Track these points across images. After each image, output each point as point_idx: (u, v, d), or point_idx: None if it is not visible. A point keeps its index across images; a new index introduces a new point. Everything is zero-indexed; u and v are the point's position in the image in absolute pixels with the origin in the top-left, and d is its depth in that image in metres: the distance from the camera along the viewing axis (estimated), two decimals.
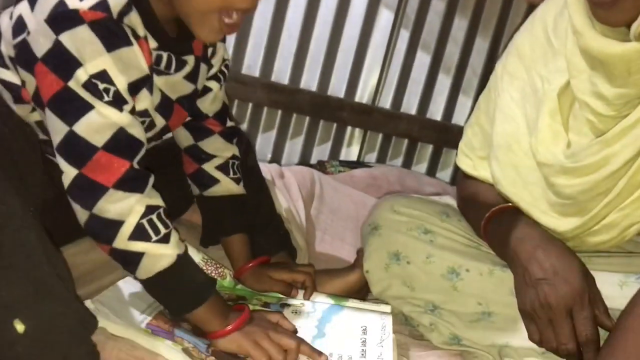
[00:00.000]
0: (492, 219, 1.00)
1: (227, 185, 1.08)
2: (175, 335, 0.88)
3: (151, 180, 0.84)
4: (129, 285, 0.95)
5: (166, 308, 0.90)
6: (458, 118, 2.07)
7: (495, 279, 0.99)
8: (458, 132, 2.07)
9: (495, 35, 1.97)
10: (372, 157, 2.05)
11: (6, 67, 0.85)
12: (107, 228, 0.81)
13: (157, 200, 0.84)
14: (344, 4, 1.86)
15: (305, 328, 0.99)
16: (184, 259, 0.85)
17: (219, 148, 1.08)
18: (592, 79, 0.86)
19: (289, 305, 1.05)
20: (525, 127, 0.97)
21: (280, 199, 1.31)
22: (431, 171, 2.11)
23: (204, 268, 1.08)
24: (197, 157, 1.08)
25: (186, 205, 1.21)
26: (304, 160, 1.99)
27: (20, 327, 0.69)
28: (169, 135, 1.11)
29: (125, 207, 0.80)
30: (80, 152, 0.79)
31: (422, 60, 1.97)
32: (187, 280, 0.86)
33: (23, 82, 0.84)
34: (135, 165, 0.82)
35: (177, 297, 0.87)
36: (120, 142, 0.80)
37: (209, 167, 1.08)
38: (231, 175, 1.08)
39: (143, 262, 0.83)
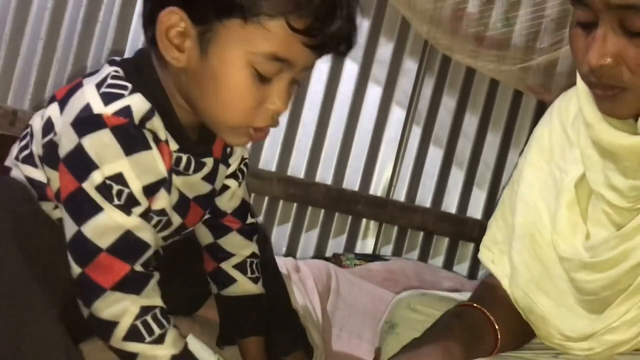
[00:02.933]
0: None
1: (244, 285, 1.08)
2: None
3: (152, 281, 0.84)
4: None
5: None
6: (472, 211, 2.08)
7: None
8: (473, 224, 2.11)
9: (507, 130, 2.02)
10: (387, 250, 2.05)
11: (35, 165, 0.89)
12: (104, 327, 0.82)
13: (154, 300, 0.84)
14: (357, 101, 1.93)
15: None
16: (181, 359, 0.84)
17: (237, 245, 1.09)
18: (606, 171, 0.86)
19: None
20: (548, 219, 0.97)
21: (297, 294, 1.31)
22: (448, 264, 2.10)
23: None
24: (215, 255, 1.09)
25: (202, 301, 1.21)
26: (319, 253, 1.99)
27: None
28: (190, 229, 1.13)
29: (120, 309, 0.81)
30: (85, 252, 0.81)
31: (435, 154, 2.01)
32: None
33: (48, 179, 0.87)
34: (138, 268, 0.83)
35: None
36: (125, 245, 0.82)
37: (227, 265, 1.08)
38: (249, 274, 1.08)
39: None
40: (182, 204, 0.96)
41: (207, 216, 1.06)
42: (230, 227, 1.09)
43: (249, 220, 1.12)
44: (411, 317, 1.10)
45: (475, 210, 2.09)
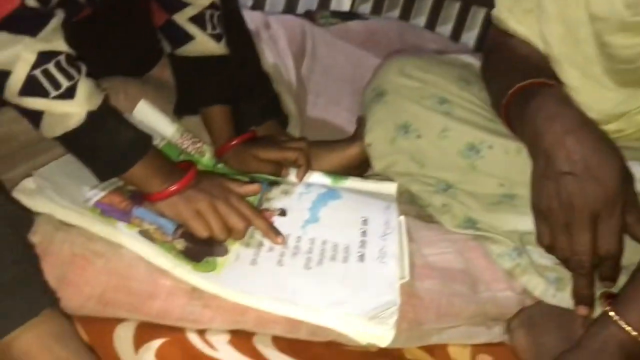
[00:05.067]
0: (517, 94, 0.83)
1: (204, 44, 0.88)
2: (132, 216, 0.74)
3: (54, 20, 0.66)
4: None
5: (90, 170, 0.74)
6: None
7: (524, 158, 0.85)
8: None
9: None
10: (366, 8, 1.82)
11: None
12: None
13: (56, 45, 0.67)
14: None
15: (297, 211, 0.85)
16: (99, 116, 0.69)
17: None
18: None
19: (279, 184, 0.91)
20: None
21: (267, 55, 1.12)
22: (430, 25, 1.91)
23: (178, 142, 0.91)
24: (165, 3, 0.87)
25: (156, 59, 1.01)
26: (290, 9, 1.76)
27: None
28: None
29: (10, 55, 0.64)
30: None
31: None
32: (109, 139, 0.71)
33: None
34: (30, 2, 0.64)
35: (97, 159, 0.72)
36: None
37: (181, 18, 0.87)
38: (209, 30, 0.88)
39: (44, 121, 0.67)
40: None
41: None
42: None
43: None
44: (404, 83, 0.94)
45: None
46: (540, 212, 0.77)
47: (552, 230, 0.76)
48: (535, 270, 0.86)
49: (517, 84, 0.82)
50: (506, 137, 0.87)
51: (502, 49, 0.93)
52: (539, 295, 0.86)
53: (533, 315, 0.85)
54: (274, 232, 0.77)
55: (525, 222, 0.86)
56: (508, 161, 0.87)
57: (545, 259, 0.85)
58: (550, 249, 0.77)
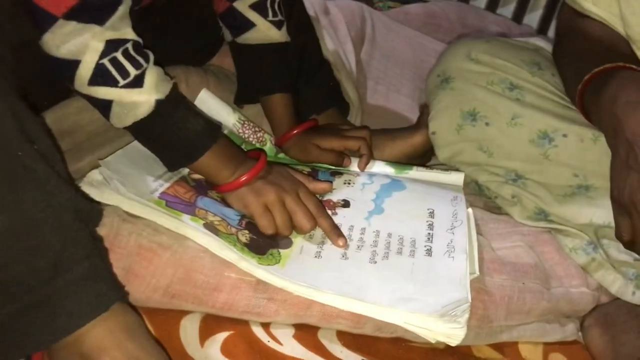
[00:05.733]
0: (594, 80, 0.78)
1: (265, 31, 0.86)
2: (197, 207, 0.73)
3: (121, 8, 0.65)
4: None
5: (160, 159, 0.74)
6: None
7: (600, 146, 0.80)
8: None
9: None
10: None
11: None
12: (65, 69, 0.65)
13: (124, 33, 0.66)
14: None
15: (360, 202, 0.83)
16: (168, 105, 0.68)
17: None
18: None
19: (341, 174, 0.89)
20: None
21: (327, 41, 1.09)
22: (492, 6, 1.84)
23: (240, 131, 0.90)
24: None
25: (216, 47, 1.00)
26: None
27: None
28: None
29: (79, 44, 0.63)
30: None
31: None
32: (177, 128, 0.69)
33: None
34: None
35: (166, 148, 0.71)
36: None
37: (242, 5, 0.86)
38: (270, 16, 0.86)
39: (114, 111, 0.67)
40: None
41: None
42: None
43: None
44: (471, 68, 0.90)
45: None
46: (621, 205, 0.72)
47: (633, 225, 0.71)
48: (612, 266, 0.82)
49: (594, 69, 0.77)
50: (581, 125, 0.83)
51: (576, 31, 0.87)
52: (616, 293, 0.82)
53: (610, 313, 0.81)
54: (336, 234, 0.75)
55: (602, 215, 0.82)
56: (583, 150, 0.82)
57: (624, 255, 0.80)
58: (630, 244, 0.73)
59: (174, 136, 0.70)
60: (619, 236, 0.74)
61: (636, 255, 0.78)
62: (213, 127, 0.73)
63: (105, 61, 0.64)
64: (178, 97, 0.70)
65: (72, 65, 0.64)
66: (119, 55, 0.65)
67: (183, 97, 0.72)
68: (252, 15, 0.86)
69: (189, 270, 0.68)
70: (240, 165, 0.74)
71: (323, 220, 0.75)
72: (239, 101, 0.94)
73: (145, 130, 0.69)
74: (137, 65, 0.66)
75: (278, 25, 0.87)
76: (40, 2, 0.62)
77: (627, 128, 0.70)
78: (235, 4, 0.86)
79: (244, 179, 0.73)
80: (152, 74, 0.67)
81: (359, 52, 1.18)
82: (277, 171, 0.77)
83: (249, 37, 0.87)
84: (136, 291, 0.67)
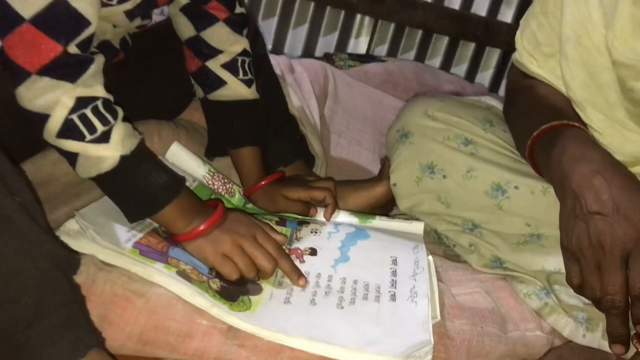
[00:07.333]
0: (542, 136, 0.84)
1: (236, 89, 0.91)
2: (169, 256, 0.75)
3: (93, 66, 0.69)
4: None
5: (121, 210, 0.75)
6: (477, 7, 1.88)
7: (549, 197, 0.86)
8: (477, 22, 1.91)
9: None
10: (382, 50, 1.87)
11: None
12: (36, 120, 0.67)
13: (94, 90, 0.69)
14: None
15: (327, 250, 0.87)
16: (132, 160, 0.70)
17: (224, 40, 0.90)
18: None
19: (308, 223, 0.93)
20: (600, 15, 0.80)
21: (293, 98, 1.15)
22: (445, 66, 1.95)
23: (209, 183, 0.93)
24: (199, 51, 0.91)
25: (186, 102, 1.04)
26: (308, 52, 1.81)
27: None
28: (164, 18, 0.92)
29: (50, 100, 0.66)
30: (3, 19, 0.64)
31: None
32: (140, 183, 0.72)
33: None
34: (72, 49, 0.67)
35: (127, 200, 0.73)
36: (55, 17, 0.65)
37: (214, 64, 0.91)
38: (241, 75, 0.91)
39: (79, 162, 0.69)
40: None
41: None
42: (215, 16, 0.90)
43: (238, 9, 0.92)
44: (428, 124, 0.96)
45: (481, 6, 1.88)
46: (570, 252, 0.77)
47: (582, 270, 0.75)
48: (564, 310, 0.87)
49: (542, 126, 0.84)
50: (531, 178, 0.89)
51: (524, 91, 0.94)
52: (568, 335, 0.86)
53: (563, 355, 0.85)
54: (296, 274, 0.77)
55: (552, 262, 0.87)
56: (534, 201, 0.88)
57: (574, 299, 0.85)
58: (580, 289, 0.77)
59: (135, 190, 0.72)
60: (569, 281, 0.79)
61: (586, 300, 0.83)
62: (176, 182, 0.75)
63: (74, 117, 0.67)
64: (143, 153, 0.73)
65: (43, 118, 0.67)
66: (87, 111, 0.68)
67: (149, 152, 0.74)
68: (224, 74, 0.91)
69: (161, 318, 0.70)
70: (197, 215, 0.75)
71: (283, 262, 0.78)
72: (210, 154, 0.97)
73: (108, 183, 0.71)
74: (105, 122, 0.69)
75: (248, 83, 0.92)
76: (16, 58, 0.65)
77: (572, 181, 0.75)
78: (207, 63, 0.91)
79: (200, 228, 0.74)
80: (119, 130, 0.70)
81: (323, 108, 1.24)
82: (233, 217, 0.78)
83: (220, 94, 0.92)
84: (110, 338, 0.68)
